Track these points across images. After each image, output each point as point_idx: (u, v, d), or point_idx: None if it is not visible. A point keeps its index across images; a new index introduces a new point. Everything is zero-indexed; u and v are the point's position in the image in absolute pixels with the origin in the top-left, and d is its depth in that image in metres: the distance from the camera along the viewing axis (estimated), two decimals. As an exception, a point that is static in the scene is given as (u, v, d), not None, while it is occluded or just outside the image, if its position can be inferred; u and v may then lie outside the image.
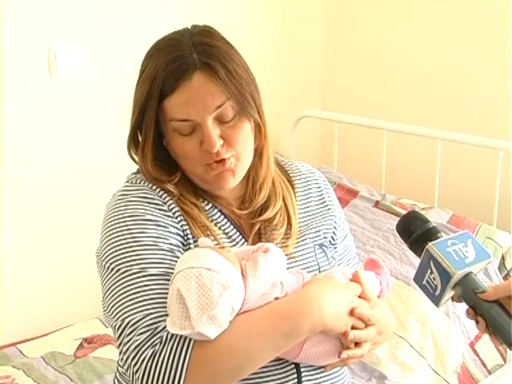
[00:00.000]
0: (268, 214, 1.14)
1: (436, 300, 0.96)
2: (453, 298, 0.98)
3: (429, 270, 0.95)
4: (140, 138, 1.11)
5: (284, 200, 1.17)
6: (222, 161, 1.06)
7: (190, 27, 1.11)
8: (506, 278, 2.05)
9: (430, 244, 0.95)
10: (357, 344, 1.03)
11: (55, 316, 2.24)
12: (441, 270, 0.93)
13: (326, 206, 1.23)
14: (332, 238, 1.22)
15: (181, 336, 0.94)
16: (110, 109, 2.28)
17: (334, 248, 1.22)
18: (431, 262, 0.94)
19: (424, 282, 0.97)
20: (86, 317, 2.20)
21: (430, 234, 0.99)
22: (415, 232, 1.00)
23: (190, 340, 0.93)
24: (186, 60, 1.04)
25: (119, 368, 1.17)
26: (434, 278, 0.94)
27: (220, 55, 1.06)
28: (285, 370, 1.05)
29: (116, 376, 1.19)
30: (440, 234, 0.99)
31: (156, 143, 1.11)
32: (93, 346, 2.04)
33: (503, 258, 2.08)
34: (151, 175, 1.11)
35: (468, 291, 0.94)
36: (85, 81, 2.25)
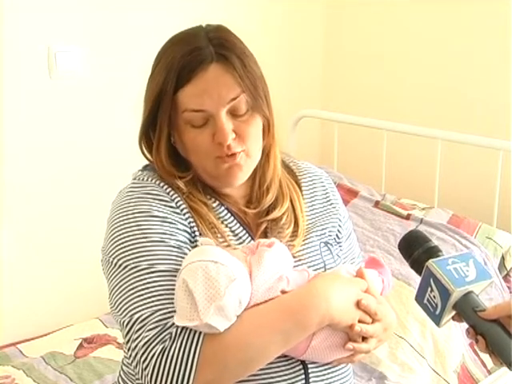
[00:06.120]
0: (275, 214, 1.14)
1: (437, 319, 0.96)
2: (454, 318, 0.98)
3: (429, 288, 0.95)
4: (152, 132, 1.11)
5: (291, 201, 1.17)
6: (233, 155, 1.07)
7: (203, 25, 1.12)
8: (505, 278, 2.05)
9: (430, 261, 0.95)
10: (364, 339, 1.04)
11: (55, 316, 2.24)
12: (440, 288, 0.93)
13: (331, 204, 1.24)
14: (337, 236, 1.22)
15: (190, 331, 0.94)
16: (110, 109, 2.28)
17: (339, 246, 1.23)
18: (431, 280, 0.95)
19: (425, 301, 0.97)
20: (86, 317, 2.20)
21: (431, 252, 0.99)
22: (416, 250, 1.01)
23: (200, 335, 0.93)
24: (202, 51, 1.05)
25: (124, 367, 1.17)
26: (434, 297, 0.95)
27: (236, 49, 1.08)
28: (293, 370, 1.06)
29: (120, 375, 1.18)
30: (441, 252, 0.99)
31: (169, 139, 1.11)
32: (93, 346, 2.04)
33: (503, 258, 2.08)
34: (164, 168, 1.10)
35: (468, 310, 0.94)
36: (85, 81, 2.25)
